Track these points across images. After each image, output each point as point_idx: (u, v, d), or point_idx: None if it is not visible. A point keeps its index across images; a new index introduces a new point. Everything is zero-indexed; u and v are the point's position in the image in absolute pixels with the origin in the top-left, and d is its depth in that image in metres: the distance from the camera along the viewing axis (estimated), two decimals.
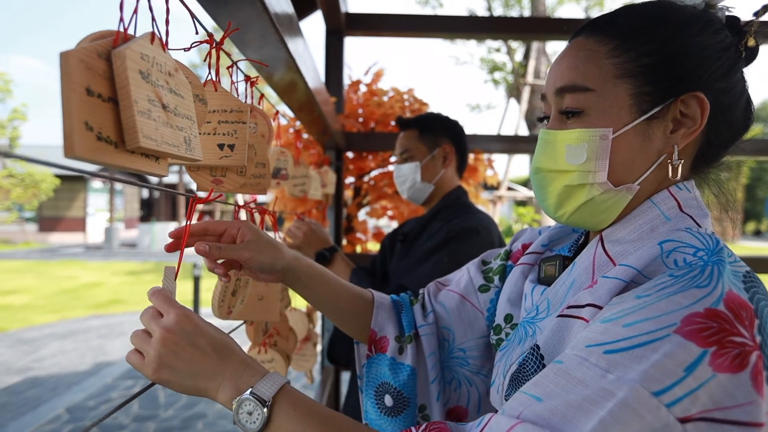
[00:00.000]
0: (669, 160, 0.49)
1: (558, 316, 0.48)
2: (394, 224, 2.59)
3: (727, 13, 0.51)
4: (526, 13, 11.00)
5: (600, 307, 0.44)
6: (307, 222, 1.34)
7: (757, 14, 0.50)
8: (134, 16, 0.38)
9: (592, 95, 0.49)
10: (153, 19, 0.39)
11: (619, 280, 0.44)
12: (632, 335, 0.38)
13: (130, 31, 0.38)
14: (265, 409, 0.44)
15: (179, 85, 0.41)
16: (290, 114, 1.57)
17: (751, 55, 0.51)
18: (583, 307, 0.45)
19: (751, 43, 0.49)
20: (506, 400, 0.51)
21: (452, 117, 1.40)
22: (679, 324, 0.36)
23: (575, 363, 0.39)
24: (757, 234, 26.83)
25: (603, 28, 0.51)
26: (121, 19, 0.36)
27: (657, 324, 0.37)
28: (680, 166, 0.49)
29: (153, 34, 0.39)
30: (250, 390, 0.45)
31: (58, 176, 16.62)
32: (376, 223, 2.73)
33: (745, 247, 18.87)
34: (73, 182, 18.87)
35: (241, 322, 0.75)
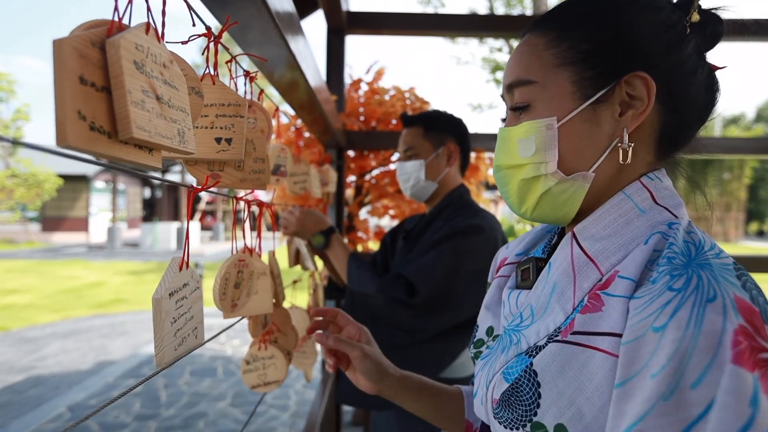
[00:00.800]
0: (619, 144, 0.48)
1: (560, 341, 0.45)
2: (395, 223, 2.58)
3: None
4: (528, 11, 10.97)
5: (620, 335, 0.41)
6: (299, 207, 1.32)
7: None
8: (129, 5, 0.38)
9: (535, 87, 0.50)
10: (148, 9, 0.39)
11: (624, 298, 0.42)
12: (703, 397, 0.34)
13: (128, 25, 0.38)
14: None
15: (174, 76, 0.41)
16: (292, 112, 1.57)
17: (711, 32, 0.49)
18: (600, 335, 0.43)
19: (695, 18, 0.48)
20: (494, 418, 0.49)
21: (456, 116, 1.39)
22: (731, 354, 0.34)
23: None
24: (760, 234, 26.70)
25: (544, 22, 0.51)
26: (116, 8, 0.35)
27: (715, 369, 0.34)
28: (634, 149, 0.48)
29: (148, 24, 0.38)
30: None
31: (60, 176, 16.67)
32: (378, 222, 2.72)
33: (748, 248, 18.78)
34: (75, 182, 18.93)
35: (238, 318, 0.74)
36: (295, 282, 1.24)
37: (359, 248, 2.45)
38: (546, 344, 0.47)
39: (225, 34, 0.57)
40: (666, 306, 0.38)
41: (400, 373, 0.69)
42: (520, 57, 0.52)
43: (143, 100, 0.35)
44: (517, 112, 0.52)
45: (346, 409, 3.24)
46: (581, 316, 0.45)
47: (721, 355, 0.34)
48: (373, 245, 2.56)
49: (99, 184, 20.31)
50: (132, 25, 0.38)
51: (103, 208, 20.45)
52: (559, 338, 0.46)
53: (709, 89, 0.50)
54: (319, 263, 1.73)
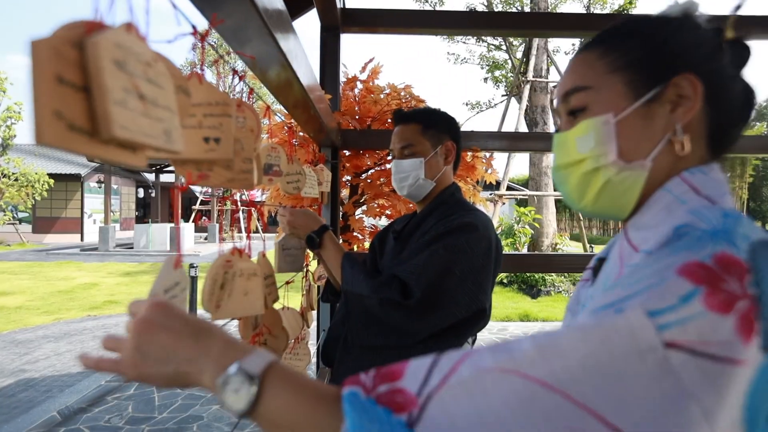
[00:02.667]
0: (674, 137, 0.52)
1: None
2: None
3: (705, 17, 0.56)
4: (527, 9, 10.99)
5: None
6: (288, 208, 1.30)
7: (730, 17, 0.56)
8: (112, 5, 0.37)
9: (590, 92, 0.55)
10: (131, 8, 0.38)
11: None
12: (635, 290, 0.39)
13: (109, 25, 0.36)
14: (254, 387, 0.40)
15: (158, 75, 0.40)
16: (285, 111, 1.55)
17: (742, 52, 0.54)
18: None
19: (730, 34, 0.53)
20: None
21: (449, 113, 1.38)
22: (674, 272, 0.38)
23: (579, 324, 0.39)
24: None
25: (593, 42, 0.57)
26: (96, 8, 0.34)
27: (655, 277, 0.39)
28: (686, 140, 0.51)
29: (130, 23, 0.37)
30: (237, 365, 0.41)
31: (52, 176, 16.54)
32: (373, 222, 2.71)
33: None
34: (68, 182, 18.78)
35: (227, 320, 0.73)
36: (288, 283, 1.23)
37: (355, 248, 2.44)
38: None
39: (215, 34, 0.56)
40: (657, 251, 0.43)
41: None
42: (574, 69, 0.57)
43: (125, 99, 0.34)
44: (573, 116, 0.56)
45: None
46: (607, 291, 0.46)
47: (667, 263, 0.40)
48: (369, 245, 2.55)
49: (92, 184, 20.16)
50: (117, 24, 0.37)
51: (96, 209, 20.31)
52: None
53: (747, 96, 0.55)
54: (313, 263, 1.72)
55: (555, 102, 0.61)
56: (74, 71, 0.32)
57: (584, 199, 0.55)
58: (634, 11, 10.69)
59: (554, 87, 10.32)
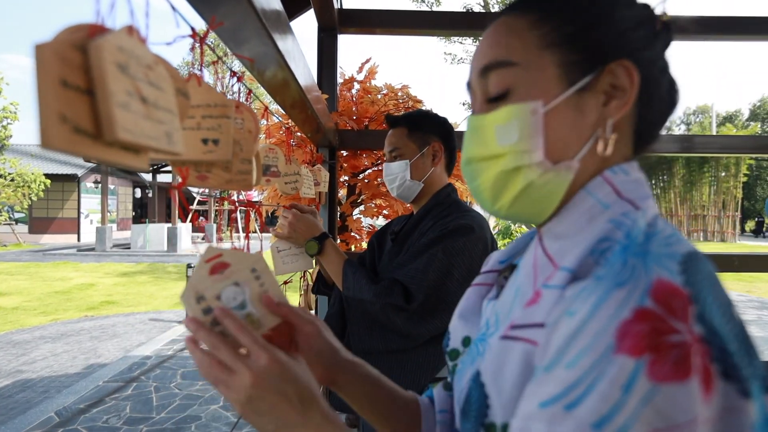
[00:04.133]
0: (602, 135, 0.45)
1: (500, 337, 0.44)
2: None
3: None
4: None
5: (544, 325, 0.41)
6: (293, 211, 1.32)
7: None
8: (113, 8, 0.37)
9: (516, 69, 0.46)
10: (131, 11, 0.39)
11: (558, 288, 0.41)
12: (580, 377, 0.34)
13: (112, 27, 0.37)
14: None
15: (159, 78, 0.40)
16: (283, 112, 1.56)
17: (669, 39, 0.48)
18: (531, 327, 0.42)
19: (665, 17, 0.47)
20: None
21: (441, 114, 1.40)
22: (615, 343, 0.33)
23: None
24: (759, 233, 27.02)
25: (522, 5, 0.48)
26: (98, 12, 0.35)
27: (595, 353, 0.33)
28: (612, 140, 0.45)
29: (131, 27, 0.38)
30: None
31: (49, 176, 16.47)
32: (371, 222, 2.72)
33: (745, 246, 19.02)
34: (64, 183, 18.72)
35: None
36: (285, 283, 1.23)
37: (353, 248, 2.44)
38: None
39: (212, 34, 0.57)
40: (583, 291, 0.37)
41: (353, 359, 0.61)
42: (496, 38, 0.47)
43: (128, 101, 0.35)
44: (493, 102, 0.47)
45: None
46: (522, 310, 0.44)
47: (603, 341, 0.33)
48: (367, 245, 2.55)
49: (89, 184, 20.09)
50: (117, 27, 0.38)
51: (92, 209, 20.24)
52: (500, 335, 0.45)
53: (671, 91, 0.50)
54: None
55: (471, 77, 0.50)
56: (78, 74, 0.33)
57: (500, 201, 0.47)
58: None
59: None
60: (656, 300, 0.34)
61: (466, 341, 0.57)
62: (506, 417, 0.42)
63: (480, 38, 0.51)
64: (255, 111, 0.70)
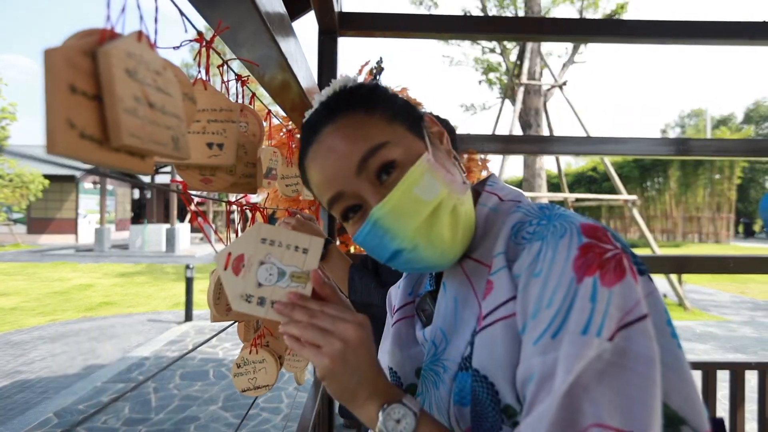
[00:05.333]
0: (456, 161, 0.59)
1: (479, 331, 0.50)
2: None
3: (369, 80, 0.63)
4: (521, 12, 11.04)
5: (515, 297, 0.49)
6: (296, 218, 1.31)
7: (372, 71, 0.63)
8: (122, 14, 0.37)
9: (390, 146, 0.52)
10: (141, 17, 0.39)
11: (504, 269, 0.50)
12: (557, 309, 0.44)
13: (120, 31, 0.37)
14: (415, 421, 0.47)
15: (167, 83, 0.40)
16: (283, 114, 1.56)
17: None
18: (502, 305, 0.49)
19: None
20: None
21: (443, 116, 1.39)
22: (575, 275, 0.44)
23: (541, 365, 0.43)
24: (750, 234, 27.11)
25: (338, 109, 0.54)
26: (108, 17, 0.35)
27: (563, 288, 0.44)
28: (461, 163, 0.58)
29: (140, 32, 0.38)
30: (401, 401, 0.49)
31: (47, 177, 16.45)
32: None
33: (738, 247, 19.03)
34: (63, 183, 18.69)
35: (230, 322, 0.74)
36: None
37: (351, 250, 2.44)
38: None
39: (216, 37, 0.57)
40: (539, 254, 0.48)
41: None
42: (353, 134, 0.52)
43: (135, 107, 0.35)
44: (380, 177, 0.52)
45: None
46: (484, 302, 0.51)
47: (566, 276, 0.44)
48: None
49: (87, 185, 20.06)
50: (126, 32, 0.38)
51: (91, 210, 20.20)
52: (476, 330, 0.51)
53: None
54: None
55: (339, 186, 0.53)
56: (86, 80, 0.33)
57: (456, 238, 0.53)
58: (625, 16, 10.75)
59: (547, 89, 10.39)
60: (587, 235, 0.47)
61: (419, 372, 0.61)
62: (515, 393, 0.48)
63: (324, 147, 0.54)
64: (258, 114, 0.70)
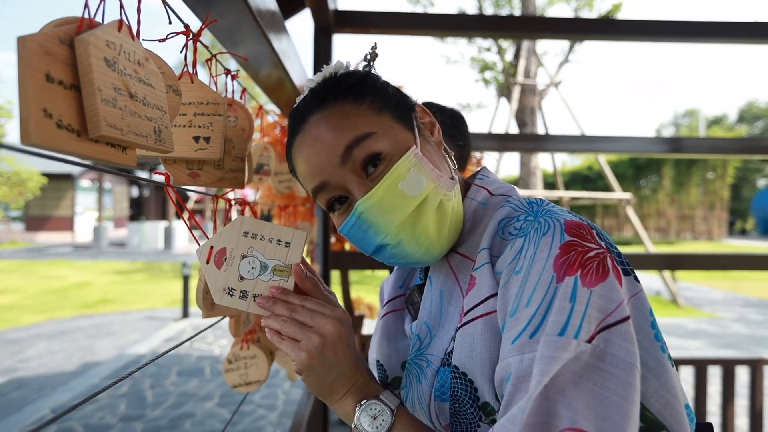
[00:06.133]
0: (447, 154, 0.58)
1: (459, 327, 0.50)
2: None
3: (362, 64, 0.61)
4: (517, 12, 11.05)
5: (496, 294, 0.48)
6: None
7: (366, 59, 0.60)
8: (102, 3, 0.37)
9: (376, 136, 0.51)
10: (121, 6, 0.39)
11: (486, 264, 0.50)
12: (536, 309, 0.43)
13: (100, 22, 0.37)
14: (391, 417, 0.47)
15: (149, 74, 0.40)
16: (278, 112, 1.55)
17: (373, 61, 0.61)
18: (482, 302, 0.49)
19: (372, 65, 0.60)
20: None
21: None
22: (555, 274, 0.43)
23: (518, 364, 0.43)
24: (743, 233, 27.23)
25: (326, 97, 0.53)
26: (86, 5, 0.35)
27: (543, 287, 0.43)
28: (452, 155, 0.59)
29: (121, 21, 0.38)
30: (378, 397, 0.49)
31: (45, 175, 16.39)
32: None
33: (731, 246, 19.10)
34: (60, 181, 18.63)
35: (218, 318, 0.74)
36: None
37: (347, 246, 2.44)
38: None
39: (208, 33, 0.57)
40: (521, 251, 0.47)
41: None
42: (338, 124, 0.51)
43: (115, 97, 0.35)
44: (367, 170, 0.51)
45: None
46: (466, 298, 0.51)
47: (547, 275, 0.43)
48: None
49: (84, 182, 20.00)
50: (108, 22, 0.38)
51: (88, 207, 20.15)
52: (457, 326, 0.51)
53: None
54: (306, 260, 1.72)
55: (323, 175, 0.52)
56: (63, 69, 0.32)
57: (441, 234, 0.53)
58: (620, 16, 10.76)
59: (542, 89, 10.43)
60: (571, 233, 0.45)
61: (404, 365, 0.61)
62: (493, 391, 0.47)
63: (310, 137, 0.53)
64: (249, 110, 0.70)
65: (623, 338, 0.41)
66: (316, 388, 0.50)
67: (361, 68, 0.61)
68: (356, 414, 0.48)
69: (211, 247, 0.52)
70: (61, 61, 0.32)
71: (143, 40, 0.44)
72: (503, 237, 0.51)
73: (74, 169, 18.29)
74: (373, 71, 0.59)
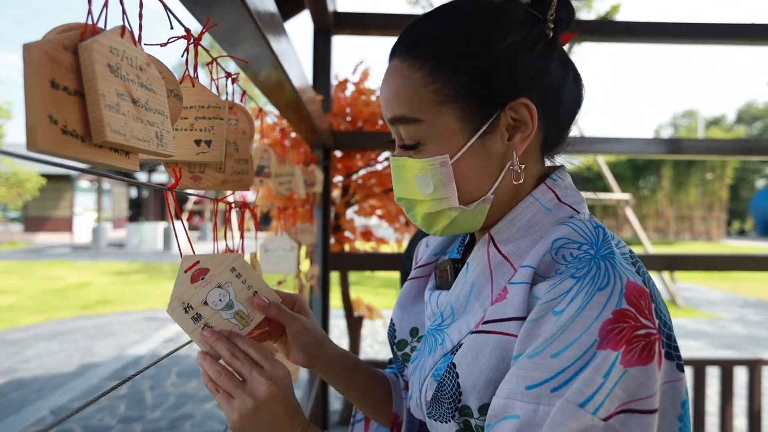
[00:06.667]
0: (512, 167, 0.51)
1: (473, 332, 0.49)
2: (384, 224, 2.59)
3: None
4: None
5: (523, 319, 0.45)
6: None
7: None
8: (104, 9, 0.38)
9: (422, 126, 0.50)
10: (123, 12, 0.39)
11: (525, 284, 0.47)
12: (566, 366, 0.40)
13: (103, 28, 0.38)
14: None
15: (151, 79, 0.41)
16: (277, 113, 1.56)
17: (566, 18, 0.52)
18: (505, 321, 0.47)
19: (550, 27, 0.51)
20: (428, 417, 0.52)
21: None
22: (599, 339, 0.40)
23: (530, 414, 0.41)
24: (742, 233, 27.28)
25: (413, 51, 0.50)
26: (90, 12, 0.35)
27: (581, 347, 0.40)
28: (525, 166, 0.52)
29: (123, 27, 0.38)
30: None
31: (44, 175, 16.37)
32: (365, 222, 2.72)
33: (730, 246, 19.13)
34: (59, 181, 18.61)
35: None
36: (280, 283, 1.24)
37: (346, 247, 2.45)
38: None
39: (206, 35, 0.57)
40: (567, 293, 0.43)
41: (336, 351, 0.66)
42: (396, 91, 0.51)
43: (118, 103, 0.35)
44: (407, 149, 0.52)
45: (334, 408, 3.24)
46: (492, 307, 0.49)
47: (589, 337, 0.40)
48: (360, 245, 2.56)
49: (83, 183, 19.99)
50: (110, 27, 0.38)
51: (87, 208, 20.15)
52: (473, 330, 0.50)
53: (577, 89, 0.55)
54: (305, 263, 1.73)
55: (384, 115, 0.54)
56: (67, 75, 0.33)
57: (433, 228, 0.54)
58: (618, 17, 10.72)
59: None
60: (629, 302, 0.41)
61: (414, 332, 0.64)
62: (482, 400, 0.46)
63: (384, 79, 0.53)
64: (250, 112, 0.71)
65: (642, 428, 0.39)
66: None
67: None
68: None
69: (197, 262, 0.53)
70: (66, 68, 0.32)
71: (145, 44, 0.44)
72: (555, 259, 0.47)
73: (72, 171, 18.26)
74: (477, 43, 0.49)
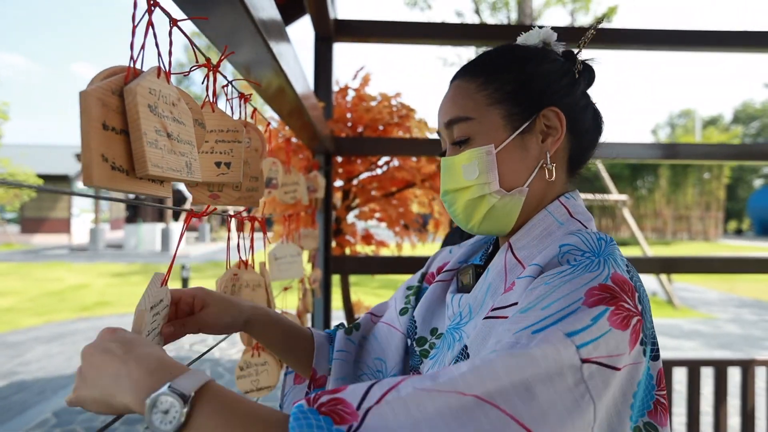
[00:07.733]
0: (545, 164, 0.61)
1: (484, 318, 0.55)
2: (383, 226, 2.63)
3: (562, 49, 0.66)
4: (513, 14, 11.11)
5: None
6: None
7: (580, 44, 0.66)
8: (141, 52, 0.41)
9: (472, 123, 0.61)
10: (159, 54, 0.43)
11: (529, 277, 0.53)
12: (551, 313, 0.45)
13: (142, 70, 0.41)
14: (186, 407, 0.38)
15: (181, 113, 0.44)
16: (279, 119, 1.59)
17: (589, 77, 0.65)
18: (507, 307, 0.53)
19: (579, 67, 0.63)
20: None
21: None
22: (584, 297, 0.45)
23: (511, 339, 0.44)
24: (739, 233, 27.43)
25: (471, 71, 0.64)
26: (132, 58, 0.39)
27: (567, 300, 0.46)
28: (555, 168, 0.61)
29: (159, 68, 0.42)
30: (167, 385, 0.39)
31: (41, 176, 16.34)
32: (365, 226, 2.76)
33: (727, 246, 19.23)
34: (56, 182, 18.57)
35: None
36: (285, 289, 1.27)
37: (347, 251, 2.48)
38: None
39: (205, 35, 0.60)
40: (560, 270, 0.50)
41: (251, 305, 0.68)
42: (454, 99, 0.63)
43: (156, 139, 0.39)
44: (458, 145, 0.62)
45: None
46: (500, 297, 0.55)
47: (575, 294, 0.46)
48: (361, 248, 2.59)
49: (81, 184, 19.92)
50: (148, 69, 0.42)
51: (85, 209, 20.10)
52: (483, 317, 0.56)
53: (596, 121, 0.66)
54: (308, 267, 1.76)
55: (439, 127, 0.65)
56: (115, 117, 0.37)
57: (471, 221, 0.62)
58: (615, 18, 10.85)
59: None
60: (614, 283, 0.48)
61: (434, 331, 0.69)
62: None
63: (445, 97, 0.65)
64: (259, 128, 0.74)
65: (604, 382, 0.42)
66: (95, 409, 0.44)
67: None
68: (146, 417, 0.38)
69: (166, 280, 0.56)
70: (114, 110, 0.36)
71: (173, 73, 0.48)
72: (560, 261, 0.53)
73: (70, 171, 18.24)
74: (526, 60, 0.63)
